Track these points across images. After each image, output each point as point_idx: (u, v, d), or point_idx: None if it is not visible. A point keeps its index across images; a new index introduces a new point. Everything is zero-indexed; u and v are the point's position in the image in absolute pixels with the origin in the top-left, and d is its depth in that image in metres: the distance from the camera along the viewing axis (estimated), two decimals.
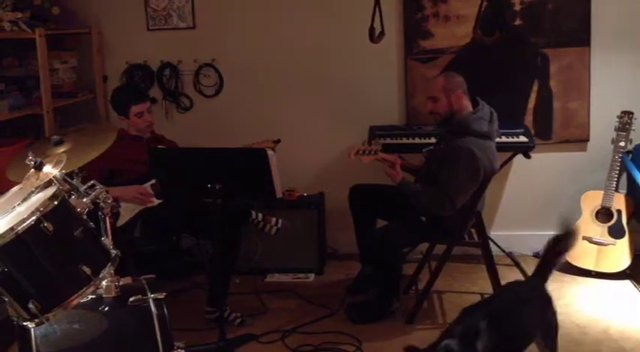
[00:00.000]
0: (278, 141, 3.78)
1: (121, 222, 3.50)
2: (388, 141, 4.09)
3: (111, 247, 2.31)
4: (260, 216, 3.66)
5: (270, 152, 2.95)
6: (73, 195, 2.30)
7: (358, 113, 4.36)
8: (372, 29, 3.65)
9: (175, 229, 3.60)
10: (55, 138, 2.77)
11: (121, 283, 2.47)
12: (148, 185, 3.51)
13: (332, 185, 4.36)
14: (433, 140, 4.02)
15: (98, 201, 2.35)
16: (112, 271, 2.28)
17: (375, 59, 4.29)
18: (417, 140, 4.11)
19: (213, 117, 4.47)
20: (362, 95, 4.35)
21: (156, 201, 3.50)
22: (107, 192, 2.41)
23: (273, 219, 3.70)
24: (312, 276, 4.16)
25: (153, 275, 2.61)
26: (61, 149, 2.78)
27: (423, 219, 3.38)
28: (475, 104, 3.43)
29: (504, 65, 4.24)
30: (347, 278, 4.04)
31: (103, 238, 2.32)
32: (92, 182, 2.44)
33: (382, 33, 3.69)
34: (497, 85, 4.21)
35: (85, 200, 2.31)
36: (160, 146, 3.75)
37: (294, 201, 4.22)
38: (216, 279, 3.51)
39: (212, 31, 4.39)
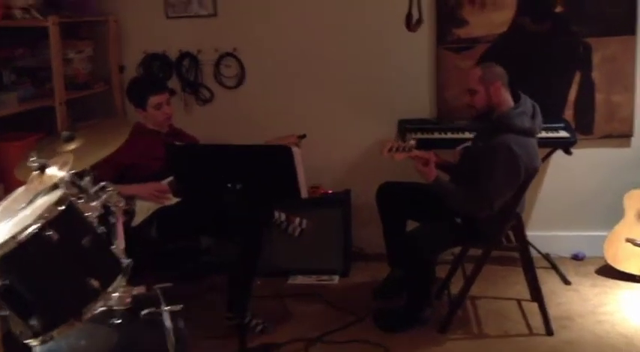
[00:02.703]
0: (303, 137, 3.58)
1: (136, 221, 3.31)
2: (418, 135, 3.86)
3: (123, 256, 2.11)
4: (283, 216, 3.46)
5: (295, 149, 2.73)
6: (81, 198, 2.10)
7: (387, 106, 4.13)
8: (409, 16, 3.40)
9: (194, 229, 3.40)
10: (66, 134, 2.59)
11: (134, 292, 2.28)
12: (165, 182, 3.32)
13: (358, 181, 4.17)
14: (467, 135, 3.80)
15: (109, 204, 2.15)
16: (124, 283, 2.07)
17: (406, 48, 4.06)
18: (449, 135, 3.88)
19: (234, 110, 4.27)
20: (391, 87, 4.12)
21: (173, 200, 3.31)
22: (119, 194, 2.20)
23: (297, 220, 3.49)
24: (336, 279, 3.95)
25: (169, 284, 2.40)
26: (72, 146, 2.61)
27: (458, 220, 3.14)
28: (516, 97, 3.18)
29: (544, 55, 3.97)
30: (374, 281, 3.83)
31: (113, 246, 2.12)
32: (103, 183, 2.24)
33: (420, 20, 3.44)
34: (535, 77, 3.95)
35: (94, 203, 2.11)
36: (178, 141, 3.56)
37: (319, 198, 4.02)
38: (237, 283, 3.32)
39: (234, 19, 4.17)
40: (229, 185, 2.83)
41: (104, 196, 2.13)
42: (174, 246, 3.50)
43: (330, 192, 4.09)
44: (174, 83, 4.25)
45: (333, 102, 4.19)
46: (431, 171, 3.08)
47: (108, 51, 4.19)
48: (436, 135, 3.88)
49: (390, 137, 4.02)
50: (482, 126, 3.28)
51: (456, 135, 3.85)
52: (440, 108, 4.10)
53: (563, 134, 3.78)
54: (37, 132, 3.57)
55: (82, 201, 2.10)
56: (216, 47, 4.20)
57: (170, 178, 3.30)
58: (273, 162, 2.82)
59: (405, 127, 3.95)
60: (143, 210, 3.32)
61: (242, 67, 4.21)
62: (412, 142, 3.10)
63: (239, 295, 3.31)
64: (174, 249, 3.59)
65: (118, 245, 2.15)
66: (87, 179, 2.20)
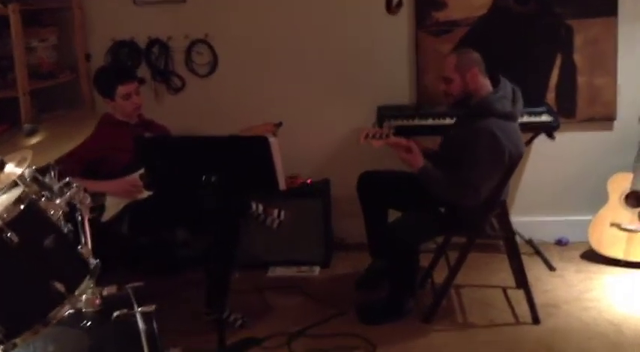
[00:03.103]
0: (279, 125, 3.47)
1: (106, 216, 3.18)
2: (398, 122, 3.76)
3: (90, 256, 1.97)
4: (260, 207, 3.33)
5: (271, 139, 2.61)
6: (44, 195, 1.96)
7: (366, 92, 4.02)
8: None
9: (167, 223, 3.27)
10: (28, 127, 2.44)
11: (104, 293, 2.15)
12: (136, 175, 3.18)
13: (338, 170, 4.07)
14: (448, 121, 3.71)
15: (74, 201, 2.01)
16: (92, 284, 1.94)
17: (385, 32, 3.95)
18: (429, 121, 3.78)
19: (207, 99, 4.13)
20: (369, 72, 4.00)
21: (145, 193, 3.17)
22: (85, 190, 2.06)
23: (275, 211, 3.37)
24: (317, 270, 3.84)
25: (141, 283, 2.28)
26: (35, 139, 2.47)
27: (442, 209, 3.05)
28: (495, 82, 3.09)
29: (524, 38, 3.88)
30: (355, 272, 3.73)
31: (80, 246, 1.98)
32: (68, 179, 2.10)
33: (401, 3, 3.32)
34: (516, 60, 3.86)
35: (58, 201, 1.97)
36: (148, 132, 3.42)
37: (297, 188, 3.90)
38: (214, 278, 3.20)
39: (204, 4, 4.01)
40: (203, 177, 2.70)
41: (68, 193, 1.98)
42: (147, 240, 3.37)
43: (308, 181, 3.98)
44: (143, 71, 4.09)
45: (309, 88, 4.07)
46: (417, 159, 2.98)
47: (73, 39, 4.02)
48: (416, 122, 3.78)
49: (369, 125, 3.90)
50: (462, 111, 3.19)
51: (436, 122, 3.75)
52: (420, 93, 4.00)
53: (545, 118, 3.70)
54: (1, 124, 3.41)
55: (45, 199, 1.96)
56: (186, 33, 4.04)
57: (141, 171, 3.16)
58: (249, 153, 2.69)
59: (384, 114, 3.84)
60: (114, 204, 3.19)
61: (214, 54, 4.06)
62: (390, 129, 2.99)
63: (216, 290, 3.20)
64: (148, 243, 3.45)
65: (85, 245, 2.01)
66: (50, 175, 2.05)
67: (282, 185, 2.75)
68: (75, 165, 3.20)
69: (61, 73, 3.90)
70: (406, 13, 3.90)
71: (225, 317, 3.17)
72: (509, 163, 2.97)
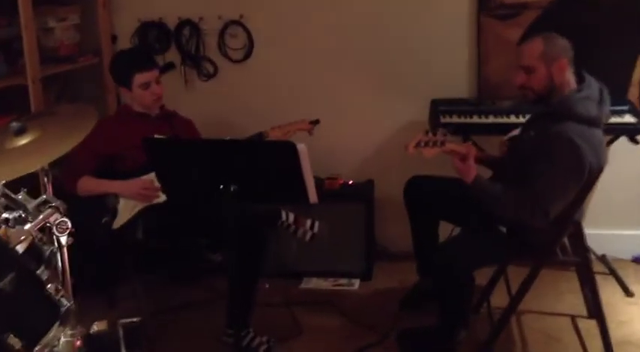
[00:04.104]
0: (316, 122, 3.08)
1: (119, 222, 2.83)
2: (454, 119, 3.30)
3: (62, 296, 1.60)
4: (291, 217, 2.92)
5: (300, 146, 2.18)
6: (9, 221, 1.59)
7: (418, 83, 3.55)
8: None
9: (184, 232, 2.89)
10: (15, 125, 2.11)
11: (94, 329, 1.80)
12: (153, 175, 2.81)
13: (383, 170, 3.65)
14: (513, 119, 3.22)
15: (49, 225, 1.64)
16: (64, 331, 1.57)
17: (440, 16, 3.46)
18: (490, 119, 3.29)
19: (240, 86, 3.73)
20: (423, 61, 3.52)
21: (162, 197, 2.79)
22: (64, 212, 1.69)
23: (308, 222, 2.96)
24: (356, 283, 3.43)
25: (137, 319, 1.90)
26: (24, 140, 2.13)
27: (503, 229, 2.58)
28: (579, 79, 2.58)
29: (604, 25, 3.32)
30: (399, 288, 3.31)
31: (50, 285, 1.60)
32: (43, 197, 1.73)
33: None
34: (593, 51, 3.29)
35: (28, 226, 1.60)
36: (170, 125, 3.05)
37: (337, 190, 3.48)
38: (236, 292, 2.81)
39: None
40: (221, 187, 2.31)
41: (41, 216, 1.61)
42: (164, 246, 3.01)
43: (350, 182, 3.55)
44: (173, 55, 3.74)
45: (354, 78, 3.62)
46: (469, 170, 2.51)
47: (96, 18, 3.66)
48: (475, 119, 3.29)
49: (422, 119, 3.46)
50: (535, 110, 2.69)
51: (499, 119, 3.26)
52: (481, 85, 3.50)
53: (628, 119, 3.17)
54: (9, 114, 3.08)
55: (11, 224, 1.59)
56: (220, 14, 3.63)
57: None
58: (274, 162, 2.28)
59: (439, 109, 3.37)
60: (127, 208, 2.84)
61: (250, 38, 3.65)
62: (445, 136, 2.52)
63: (239, 306, 2.82)
64: (165, 249, 3.10)
65: (63, 282, 1.64)
66: (22, 193, 1.69)
67: (313, 198, 2.34)
68: (86, 161, 2.88)
69: (82, 57, 3.54)
70: None
71: (249, 341, 2.80)
72: (589, 178, 2.46)
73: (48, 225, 1.64)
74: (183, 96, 3.71)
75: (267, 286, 3.19)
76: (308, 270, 3.49)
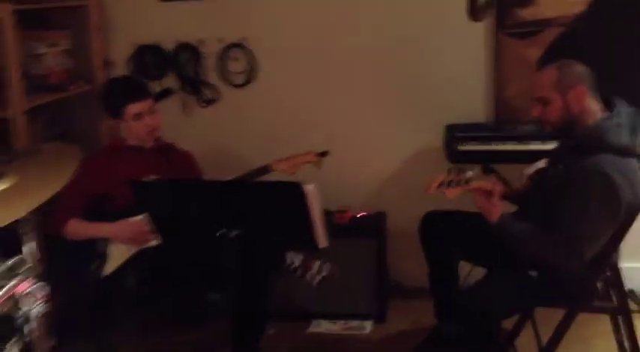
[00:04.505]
0: (325, 154, 2.84)
1: (109, 268, 2.60)
2: (471, 146, 3.07)
3: None
4: (298, 260, 2.69)
5: (308, 187, 1.96)
6: None
7: (430, 107, 3.32)
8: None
9: (182, 277, 2.65)
10: None
11: None
12: (145, 216, 2.58)
13: (395, 201, 3.43)
14: (536, 145, 2.98)
15: (17, 297, 1.41)
16: None
17: (455, 34, 3.24)
18: (511, 146, 3.05)
19: (243, 113, 3.52)
20: (437, 84, 3.29)
21: (155, 241, 2.56)
22: (41, 275, 1.45)
23: (316, 265, 2.72)
24: (369, 326, 3.18)
25: None
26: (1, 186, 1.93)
27: (533, 274, 2.33)
28: (607, 105, 2.34)
29: (632, 41, 3.09)
30: (415, 329, 3.06)
31: None
32: (19, 257, 1.50)
33: (491, 2, 2.58)
34: (621, 70, 3.08)
35: None
36: (166, 160, 2.82)
37: (347, 224, 3.25)
38: (238, 340, 2.57)
39: (241, 2, 3.39)
40: (219, 233, 2.08)
41: (5, 288, 1.37)
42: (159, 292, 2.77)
43: (360, 215, 3.31)
44: (171, 81, 3.53)
45: (363, 103, 3.40)
46: (494, 208, 2.27)
47: (89, 43, 3.44)
48: (494, 146, 3.06)
49: (436, 146, 3.23)
50: (561, 142, 2.46)
51: (521, 146, 3.02)
52: (498, 109, 3.28)
53: None
54: None
55: None
56: (220, 37, 3.42)
57: None
58: (278, 205, 2.05)
59: (454, 135, 3.14)
60: (118, 254, 2.61)
61: (252, 61, 3.44)
62: (470, 173, 2.28)
63: None
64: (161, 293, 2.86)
65: None
66: None
67: (323, 242, 2.11)
68: (74, 203, 2.66)
69: (73, 84, 3.33)
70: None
71: None
72: (627, 215, 2.22)
73: (16, 297, 1.41)
74: (181, 124, 3.51)
75: (271, 332, 2.94)
76: (317, 311, 3.24)
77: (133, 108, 2.71)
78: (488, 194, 2.29)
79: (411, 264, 3.19)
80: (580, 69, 2.35)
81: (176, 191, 2.21)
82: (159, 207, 2.19)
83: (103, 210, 2.69)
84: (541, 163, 2.60)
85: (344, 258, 3.08)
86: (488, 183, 2.33)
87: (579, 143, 2.31)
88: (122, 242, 2.59)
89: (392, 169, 3.44)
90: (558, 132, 2.36)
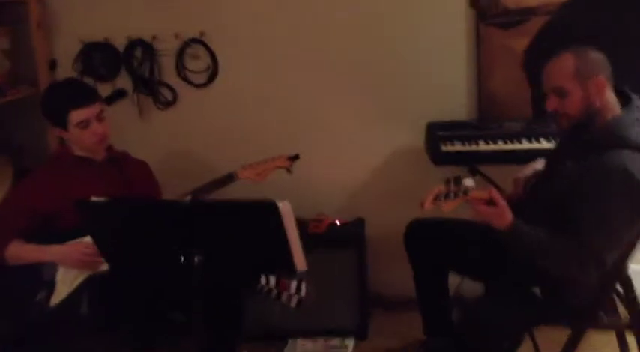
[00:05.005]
0: (295, 158, 2.59)
1: (57, 298, 2.28)
2: (457, 147, 2.82)
3: None
4: (272, 280, 2.41)
5: (281, 204, 1.69)
6: None
7: (409, 104, 3.09)
8: None
9: (140, 302, 2.35)
10: None
11: None
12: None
13: (374, 206, 3.19)
14: (526, 144, 2.77)
15: None
16: None
17: (435, 27, 3.00)
18: (499, 145, 2.81)
19: (204, 115, 3.25)
20: (415, 79, 3.06)
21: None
22: None
23: (293, 285, 2.44)
24: (351, 344, 2.93)
25: None
26: None
27: (536, 290, 2.09)
28: (622, 97, 2.12)
29: (630, 29, 2.88)
30: (401, 346, 2.83)
31: None
32: None
33: None
34: (619, 62, 2.86)
35: None
36: (118, 171, 2.51)
37: (323, 234, 2.99)
38: None
39: None
40: (182, 258, 1.80)
41: None
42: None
43: (337, 222, 3.05)
44: (123, 81, 3.24)
45: (336, 102, 3.15)
46: (503, 212, 2.01)
47: (31, 42, 3.13)
48: (482, 146, 2.81)
49: (417, 145, 3.00)
50: (566, 138, 2.23)
51: (509, 146, 2.78)
52: (482, 105, 3.04)
53: None
54: None
55: None
56: (176, 32, 3.14)
57: None
58: (249, 225, 1.77)
59: (436, 134, 2.89)
60: (67, 281, 2.30)
61: (213, 58, 3.16)
62: (469, 182, 2.02)
63: None
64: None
65: None
66: None
67: (301, 264, 1.85)
68: (15, 222, 2.35)
69: (13, 88, 3.01)
70: (464, 1, 2.95)
71: None
72: None
73: None
74: (137, 129, 3.23)
75: None
76: (293, 329, 2.98)
77: (77, 115, 2.38)
78: (489, 202, 2.03)
79: (392, 274, 3.03)
80: (598, 56, 2.11)
81: (125, 211, 1.90)
82: (109, 230, 1.89)
83: (49, 229, 2.38)
84: (538, 164, 2.37)
85: (321, 271, 2.81)
86: (483, 191, 2.07)
87: (594, 139, 2.06)
88: (72, 266, 2.28)
89: (369, 172, 3.19)
90: (576, 128, 2.11)
